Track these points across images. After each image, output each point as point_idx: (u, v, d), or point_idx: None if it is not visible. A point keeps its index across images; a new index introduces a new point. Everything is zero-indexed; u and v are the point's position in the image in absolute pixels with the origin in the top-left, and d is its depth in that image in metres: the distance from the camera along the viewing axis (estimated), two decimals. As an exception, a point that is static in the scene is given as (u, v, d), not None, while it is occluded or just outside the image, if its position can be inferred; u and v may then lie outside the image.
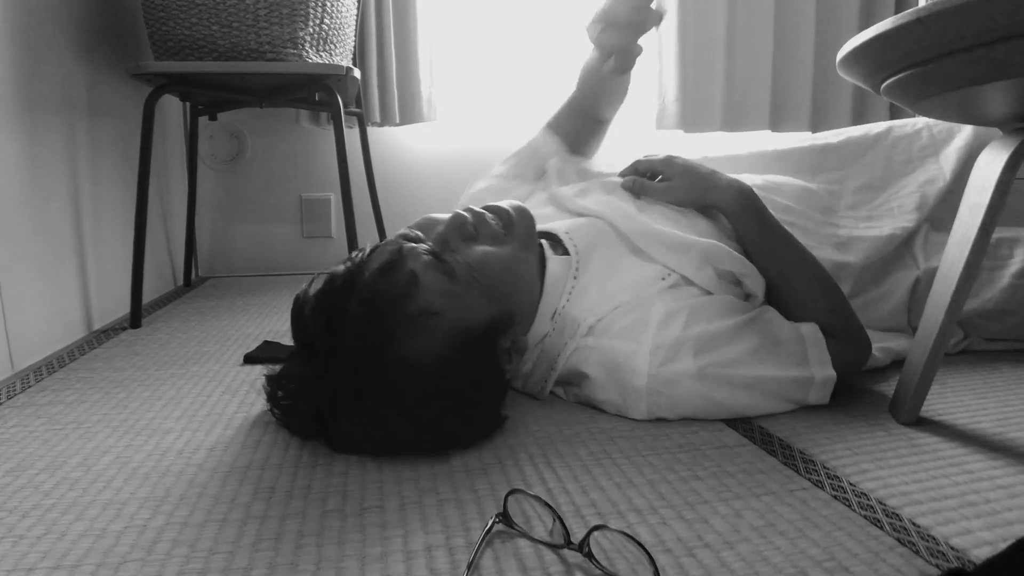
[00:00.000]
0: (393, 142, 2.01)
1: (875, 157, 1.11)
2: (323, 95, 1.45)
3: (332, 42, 1.47)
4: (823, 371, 0.77)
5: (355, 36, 1.63)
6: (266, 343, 1.12)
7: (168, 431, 0.78)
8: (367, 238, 1.97)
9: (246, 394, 0.90)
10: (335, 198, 2.01)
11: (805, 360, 0.77)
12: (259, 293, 1.70)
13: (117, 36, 1.50)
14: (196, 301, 1.59)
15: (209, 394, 0.91)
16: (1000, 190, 0.72)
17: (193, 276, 1.89)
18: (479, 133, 2.03)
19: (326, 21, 1.43)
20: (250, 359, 1.05)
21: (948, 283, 0.73)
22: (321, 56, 1.44)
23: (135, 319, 1.32)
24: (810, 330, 0.80)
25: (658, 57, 1.99)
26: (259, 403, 0.87)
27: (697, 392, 0.74)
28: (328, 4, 1.42)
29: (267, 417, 0.82)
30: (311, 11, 1.38)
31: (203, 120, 1.79)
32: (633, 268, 0.84)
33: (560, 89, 2.06)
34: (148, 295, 1.57)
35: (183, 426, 0.79)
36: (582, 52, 1.16)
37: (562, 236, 0.88)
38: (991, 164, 0.73)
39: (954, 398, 0.84)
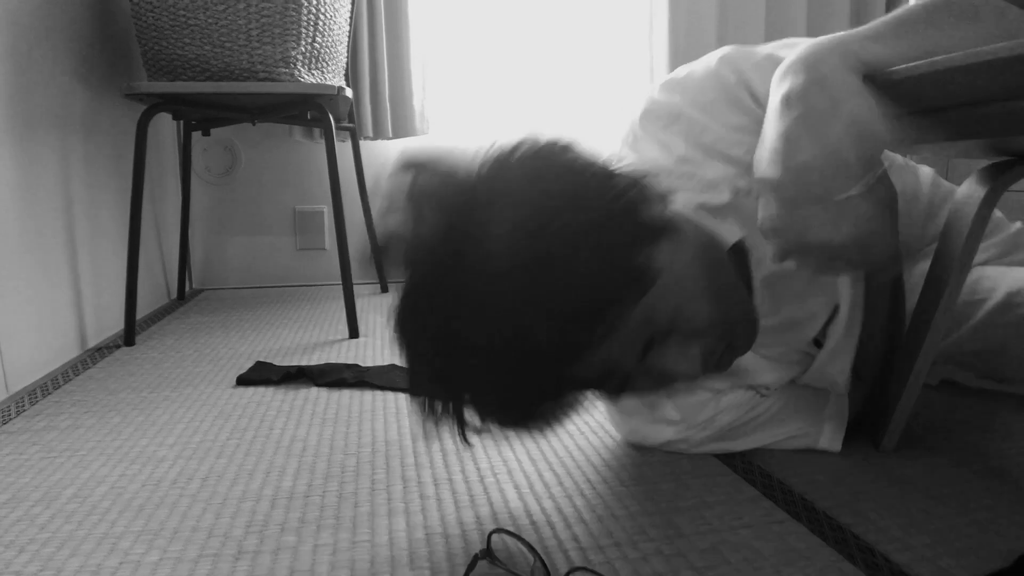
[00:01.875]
0: (386, 154, 2.02)
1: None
2: (315, 113, 1.46)
3: (324, 60, 1.49)
4: (831, 446, 0.78)
5: (347, 52, 1.65)
6: (259, 363, 1.13)
7: (162, 459, 0.79)
8: (360, 249, 1.98)
9: (239, 419, 0.92)
10: (328, 210, 2.02)
11: (816, 439, 0.78)
12: (251, 307, 1.71)
13: (111, 55, 1.51)
14: (189, 316, 1.60)
15: (202, 419, 0.92)
16: (977, 227, 0.73)
17: (187, 288, 1.90)
18: (472, 146, 2.05)
19: (318, 40, 1.44)
20: (243, 381, 1.06)
21: (924, 321, 0.74)
22: (313, 74, 1.45)
23: (129, 337, 1.33)
24: (834, 418, 0.78)
25: (648, 51, 2.01)
26: (251, 428, 0.88)
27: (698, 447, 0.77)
28: (320, 23, 1.43)
29: (259, 444, 0.83)
30: (303, 30, 1.39)
31: (196, 134, 1.80)
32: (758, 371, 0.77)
33: (551, 101, 2.07)
34: (142, 309, 1.58)
35: (176, 454, 0.81)
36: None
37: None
38: (969, 199, 0.74)
39: (935, 427, 0.86)
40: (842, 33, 0.55)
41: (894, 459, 0.76)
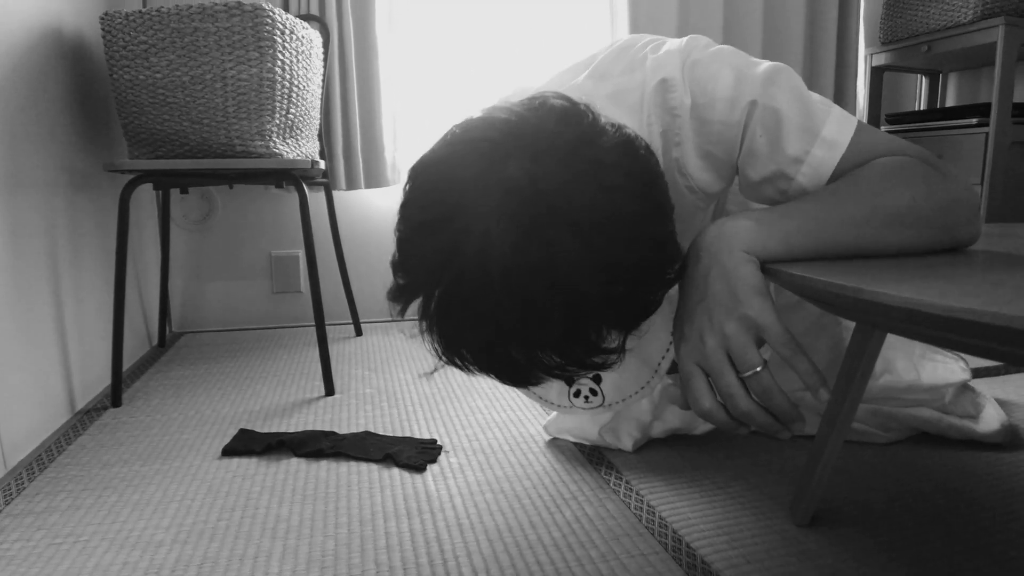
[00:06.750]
0: (359, 201, 2.11)
1: None
2: (289, 181, 1.55)
3: (298, 129, 1.57)
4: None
5: (320, 115, 1.73)
6: (242, 431, 1.22)
7: (159, 544, 0.88)
8: (334, 293, 2.07)
9: (226, 496, 1.01)
10: (303, 255, 2.10)
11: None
12: (231, 356, 1.79)
13: (94, 126, 1.58)
14: (172, 369, 1.68)
15: (193, 497, 1.01)
16: (865, 372, 0.84)
17: (167, 333, 1.98)
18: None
19: (292, 111, 1.53)
20: (228, 452, 1.15)
21: (833, 416, 0.86)
22: (287, 143, 1.54)
23: (116, 398, 1.41)
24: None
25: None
26: (238, 507, 0.97)
27: None
28: (294, 95, 1.52)
29: (247, 526, 0.92)
30: (277, 104, 1.47)
31: (175, 189, 1.87)
32: None
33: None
34: (126, 360, 1.65)
35: (172, 537, 0.90)
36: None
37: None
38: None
39: (851, 496, 0.97)
40: (742, 220, 0.65)
41: (808, 532, 0.87)
